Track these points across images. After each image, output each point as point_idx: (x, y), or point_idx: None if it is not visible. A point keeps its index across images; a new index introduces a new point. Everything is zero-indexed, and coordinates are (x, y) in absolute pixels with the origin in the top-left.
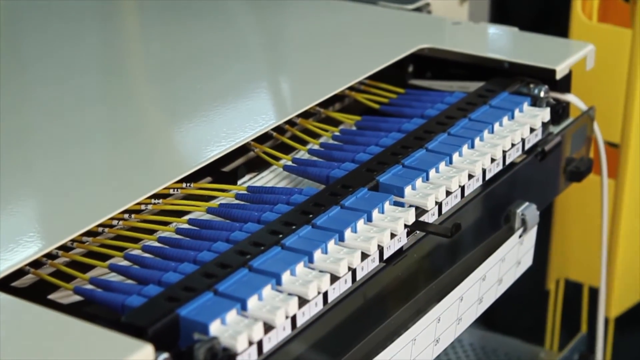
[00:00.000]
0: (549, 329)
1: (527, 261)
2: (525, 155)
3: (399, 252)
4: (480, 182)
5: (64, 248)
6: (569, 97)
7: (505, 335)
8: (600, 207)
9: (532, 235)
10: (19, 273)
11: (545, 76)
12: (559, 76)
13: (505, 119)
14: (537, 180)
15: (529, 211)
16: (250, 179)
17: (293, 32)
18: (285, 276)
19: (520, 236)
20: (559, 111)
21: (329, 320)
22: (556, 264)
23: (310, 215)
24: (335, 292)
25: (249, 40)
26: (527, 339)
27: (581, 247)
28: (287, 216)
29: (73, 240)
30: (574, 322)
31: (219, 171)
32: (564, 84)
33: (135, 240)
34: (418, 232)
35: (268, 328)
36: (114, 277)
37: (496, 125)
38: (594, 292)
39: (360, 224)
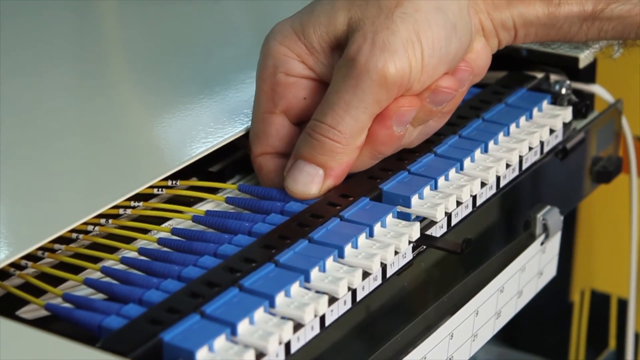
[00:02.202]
0: (573, 344)
1: (550, 271)
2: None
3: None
4: (493, 191)
5: (33, 258)
6: (594, 88)
7: (525, 353)
8: (630, 211)
9: (555, 242)
10: None
11: (567, 64)
12: (582, 65)
13: (522, 120)
14: (559, 181)
15: (551, 216)
16: (239, 180)
17: (286, 13)
18: (279, 298)
19: (542, 243)
20: (582, 109)
21: (326, 339)
22: (581, 274)
23: (307, 228)
24: (334, 314)
25: (237, 23)
26: (549, 356)
27: (609, 254)
28: (281, 229)
29: (43, 249)
30: (601, 337)
31: (206, 171)
32: (589, 74)
33: (113, 250)
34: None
35: (259, 355)
36: (87, 291)
37: (512, 127)
38: (622, 304)
39: (362, 238)
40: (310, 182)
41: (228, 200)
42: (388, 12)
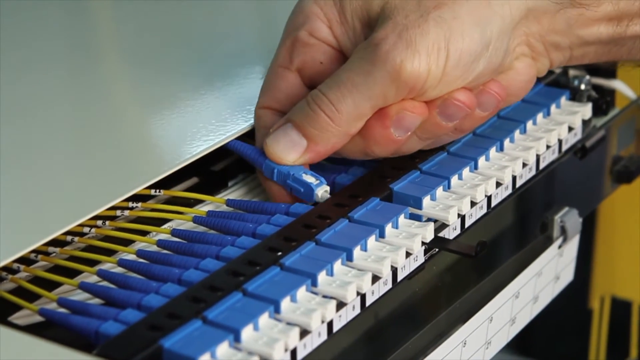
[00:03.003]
0: (592, 353)
1: (568, 276)
2: (563, 154)
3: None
4: (509, 191)
5: (26, 261)
6: (615, 84)
7: None
8: None
9: (573, 245)
10: None
11: None
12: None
13: (539, 117)
14: (577, 182)
15: (569, 218)
16: (244, 179)
17: (290, 6)
18: (285, 303)
19: (559, 247)
20: (603, 105)
21: (334, 346)
22: (601, 279)
23: (314, 230)
24: (342, 320)
25: (239, 16)
26: None
27: (630, 259)
28: (286, 230)
29: (37, 252)
30: (621, 345)
31: (208, 170)
32: (609, 69)
33: (110, 253)
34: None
35: None
36: (83, 296)
37: (529, 124)
38: None
39: (371, 240)
40: (291, 148)
41: (229, 203)
42: (425, 10)
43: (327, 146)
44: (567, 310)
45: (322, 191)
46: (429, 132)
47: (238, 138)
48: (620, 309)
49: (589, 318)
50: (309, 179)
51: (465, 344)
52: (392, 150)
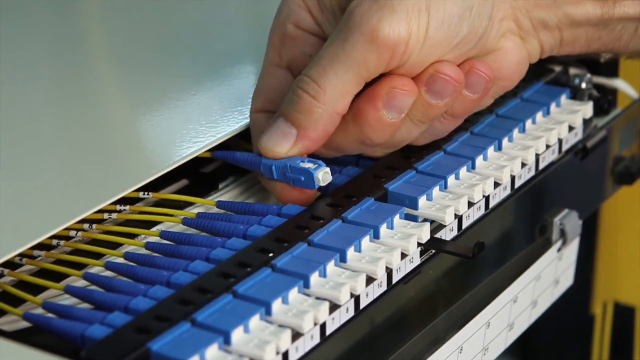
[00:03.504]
0: None
1: (567, 280)
2: (563, 154)
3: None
4: (508, 192)
5: (11, 265)
6: (617, 83)
7: None
8: None
9: (573, 248)
10: None
11: (587, 57)
12: (604, 58)
13: (539, 116)
14: (578, 183)
15: (569, 220)
16: (235, 180)
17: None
18: (276, 304)
19: (558, 250)
20: (604, 105)
21: (327, 349)
22: (603, 284)
23: (306, 231)
24: (335, 323)
25: (231, 15)
26: None
27: (633, 263)
28: (278, 231)
29: (21, 255)
30: (625, 353)
31: (197, 172)
32: (611, 67)
33: (97, 256)
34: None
35: None
36: (70, 301)
37: (528, 123)
38: None
39: (366, 241)
40: (282, 139)
41: (219, 205)
42: None
43: (317, 130)
44: (569, 316)
45: (322, 173)
46: (421, 114)
47: (230, 141)
48: (624, 314)
49: (591, 324)
50: (307, 165)
51: (461, 350)
52: (387, 134)
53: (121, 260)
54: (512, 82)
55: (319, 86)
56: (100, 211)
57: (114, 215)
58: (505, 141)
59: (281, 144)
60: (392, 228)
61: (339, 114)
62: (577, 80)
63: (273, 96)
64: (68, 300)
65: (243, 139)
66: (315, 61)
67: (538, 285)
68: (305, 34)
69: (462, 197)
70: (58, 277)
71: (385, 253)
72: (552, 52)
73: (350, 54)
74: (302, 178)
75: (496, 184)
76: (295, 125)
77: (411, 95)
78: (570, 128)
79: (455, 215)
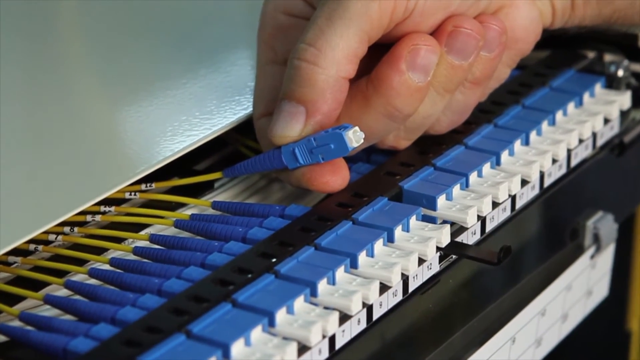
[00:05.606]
0: None
1: (602, 291)
2: (597, 150)
3: (430, 278)
4: (537, 191)
5: None
6: None
7: None
8: None
9: (607, 255)
10: None
11: (624, 42)
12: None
13: (570, 107)
14: (614, 182)
15: (603, 224)
16: (232, 179)
17: None
18: (281, 315)
19: (592, 257)
20: None
21: None
22: None
23: (313, 233)
24: (345, 335)
25: None
26: None
27: None
28: (282, 234)
29: None
30: None
31: (190, 170)
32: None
33: (80, 262)
34: (454, 256)
35: None
36: (50, 312)
37: (559, 115)
38: None
39: (379, 245)
40: (291, 120)
41: (215, 205)
42: None
43: (327, 100)
44: (602, 331)
45: (352, 132)
46: (445, 79)
47: (226, 135)
48: None
49: (627, 341)
50: (333, 131)
51: None
52: (416, 101)
53: (107, 266)
54: (528, 44)
55: (317, 49)
56: (83, 213)
57: (98, 217)
58: (533, 135)
59: (292, 126)
60: (407, 231)
61: (345, 79)
62: (613, 68)
63: (275, 96)
64: (48, 312)
65: (240, 133)
66: (310, 24)
67: (569, 297)
68: (299, 21)
69: (485, 196)
70: (37, 285)
71: (400, 258)
72: (564, 17)
73: (348, 6)
74: (332, 145)
75: (523, 182)
76: (301, 102)
77: (435, 51)
78: (606, 121)
79: (478, 217)
